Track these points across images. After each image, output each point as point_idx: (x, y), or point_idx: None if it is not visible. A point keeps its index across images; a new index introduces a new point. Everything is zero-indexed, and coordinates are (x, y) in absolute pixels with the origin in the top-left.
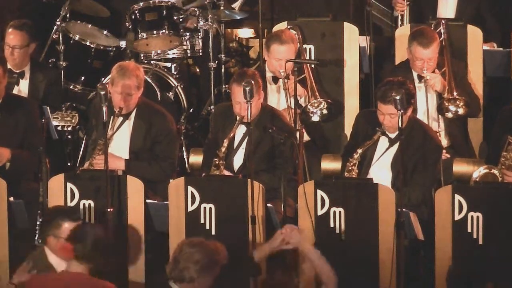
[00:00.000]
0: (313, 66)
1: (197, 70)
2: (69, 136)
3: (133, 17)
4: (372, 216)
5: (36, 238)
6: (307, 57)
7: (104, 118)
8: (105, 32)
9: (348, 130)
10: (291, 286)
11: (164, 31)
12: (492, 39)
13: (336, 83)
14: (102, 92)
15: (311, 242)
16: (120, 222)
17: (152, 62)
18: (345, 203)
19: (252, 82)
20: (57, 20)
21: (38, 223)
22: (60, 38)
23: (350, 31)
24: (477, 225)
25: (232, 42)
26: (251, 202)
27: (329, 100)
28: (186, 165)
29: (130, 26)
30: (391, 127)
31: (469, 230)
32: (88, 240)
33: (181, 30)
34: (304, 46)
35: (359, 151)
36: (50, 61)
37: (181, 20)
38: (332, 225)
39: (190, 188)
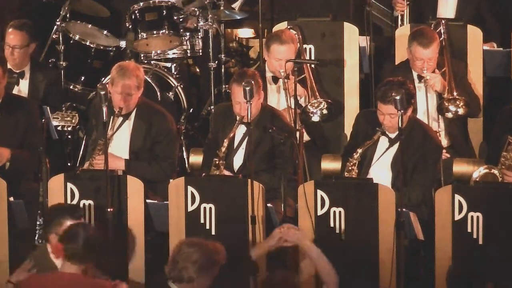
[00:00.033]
0: (313, 66)
1: (197, 70)
2: (69, 136)
3: (133, 17)
4: (372, 216)
5: (36, 238)
6: (307, 57)
7: (104, 118)
8: (105, 32)
9: (348, 130)
10: (292, 285)
11: (164, 31)
12: (492, 39)
13: (336, 83)
14: (102, 92)
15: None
16: (120, 222)
17: (152, 62)
18: (345, 203)
19: (252, 82)
20: (57, 20)
21: (38, 223)
22: (60, 38)
23: (350, 31)
24: (477, 225)
25: (232, 42)
26: (251, 202)
27: (329, 100)
28: (186, 165)
29: (130, 26)
30: (391, 127)
31: (469, 230)
32: (79, 240)
33: (181, 30)
34: (304, 46)
35: (359, 151)
36: (50, 61)
37: (181, 20)
38: (332, 225)
39: (190, 188)
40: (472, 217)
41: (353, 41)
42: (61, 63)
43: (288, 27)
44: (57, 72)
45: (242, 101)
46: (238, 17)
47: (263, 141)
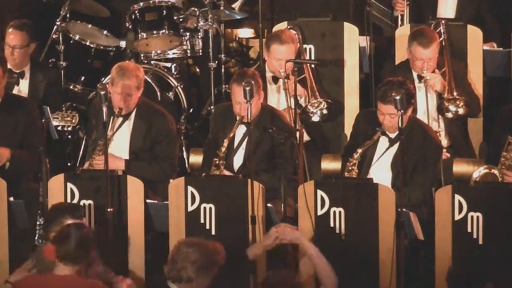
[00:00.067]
0: (313, 66)
1: (197, 70)
2: (69, 136)
3: (133, 17)
4: (372, 216)
5: (36, 238)
6: (307, 57)
7: (104, 118)
8: (105, 32)
9: (348, 130)
10: (292, 285)
11: (164, 31)
12: (492, 39)
13: (336, 83)
14: (102, 92)
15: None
16: (120, 222)
17: (152, 62)
18: (345, 203)
19: (252, 82)
20: (57, 20)
21: (38, 223)
22: (60, 38)
23: (350, 31)
24: (477, 225)
25: (232, 42)
26: (251, 202)
27: (329, 100)
28: (186, 165)
29: (130, 26)
30: (391, 127)
31: (469, 230)
32: (71, 241)
33: (181, 30)
34: (304, 46)
35: (359, 151)
36: (50, 61)
37: (181, 20)
38: (332, 225)
39: (190, 188)
40: (472, 217)
41: (353, 41)
42: (61, 63)
43: (288, 27)
44: (57, 72)
45: (242, 101)
46: (238, 17)
47: (263, 141)
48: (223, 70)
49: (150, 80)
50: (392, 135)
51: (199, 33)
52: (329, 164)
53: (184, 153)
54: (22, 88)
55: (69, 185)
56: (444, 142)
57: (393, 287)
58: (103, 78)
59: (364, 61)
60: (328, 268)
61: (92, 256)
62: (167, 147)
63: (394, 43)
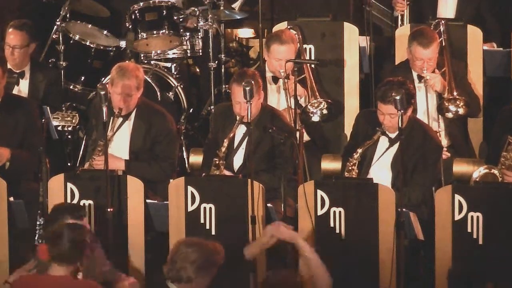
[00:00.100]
0: (313, 66)
1: (197, 70)
2: (69, 136)
3: (133, 17)
4: (372, 216)
5: (36, 238)
6: (307, 57)
7: (104, 118)
8: (105, 32)
9: (348, 130)
10: (292, 284)
11: (164, 31)
12: (492, 39)
13: (336, 83)
14: (102, 92)
15: (310, 241)
16: (120, 222)
17: (152, 62)
18: (345, 203)
19: (252, 82)
20: (57, 20)
21: (38, 223)
22: (60, 38)
23: (350, 31)
24: (477, 225)
25: (232, 42)
26: (251, 202)
27: (329, 100)
28: (186, 165)
29: (130, 26)
30: (391, 127)
31: (469, 230)
32: (64, 241)
33: (181, 30)
34: (304, 46)
35: (359, 151)
36: (50, 61)
37: (181, 20)
38: (332, 225)
39: (190, 188)
40: (472, 217)
41: (353, 41)
42: (61, 63)
43: (288, 27)
44: (57, 72)
45: (242, 101)
46: (238, 17)
47: (263, 141)
48: (223, 70)
49: (150, 80)
50: (392, 135)
51: (199, 33)
52: (329, 164)
53: (184, 153)
54: (22, 88)
55: (69, 185)
56: (444, 142)
57: (393, 287)
58: (103, 78)
59: (364, 61)
60: (323, 269)
61: (98, 256)
62: (167, 147)
63: (394, 43)
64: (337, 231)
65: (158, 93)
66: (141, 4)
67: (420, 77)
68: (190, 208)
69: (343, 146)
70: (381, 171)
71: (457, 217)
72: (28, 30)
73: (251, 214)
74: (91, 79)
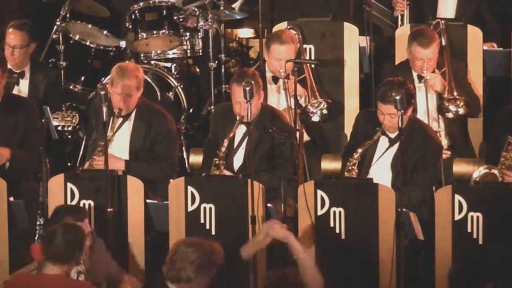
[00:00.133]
0: (313, 66)
1: (197, 70)
2: (69, 136)
3: (133, 17)
4: (372, 216)
5: (36, 238)
6: (307, 57)
7: (104, 118)
8: (105, 32)
9: (348, 130)
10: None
11: (164, 31)
12: (492, 39)
13: (336, 83)
14: (102, 92)
15: (310, 242)
16: (120, 222)
17: (152, 62)
18: (345, 203)
19: (252, 82)
20: (57, 20)
21: (38, 223)
22: (60, 38)
23: (350, 31)
24: (477, 225)
25: (232, 42)
26: (251, 202)
27: (329, 100)
28: (186, 165)
29: (130, 26)
30: (391, 127)
31: (469, 230)
32: (57, 241)
33: (181, 30)
34: (304, 46)
35: (359, 151)
36: (50, 61)
37: (181, 20)
38: (332, 225)
39: (190, 188)
40: (472, 217)
41: (353, 41)
42: (61, 63)
43: (288, 27)
44: (57, 72)
45: (242, 101)
46: (238, 17)
47: (263, 141)
48: (223, 70)
49: (150, 80)
50: (392, 135)
51: (199, 33)
52: (329, 164)
53: (184, 153)
54: (22, 88)
55: (69, 185)
56: (444, 142)
57: (393, 287)
58: (103, 78)
59: (364, 61)
60: (314, 270)
61: (102, 257)
62: (167, 147)
63: (394, 43)
64: (337, 231)
65: (158, 93)
66: (141, 4)
67: (420, 77)
68: (190, 208)
69: (343, 146)
70: (381, 171)
71: (457, 217)
72: (28, 30)
73: (251, 214)
74: (91, 79)
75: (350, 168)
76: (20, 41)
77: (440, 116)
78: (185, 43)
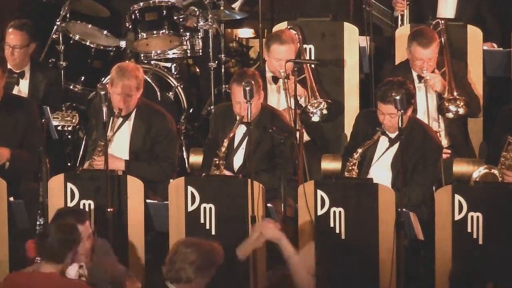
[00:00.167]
0: (313, 66)
1: (197, 70)
2: (69, 136)
3: (133, 17)
4: (372, 216)
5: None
6: (307, 57)
7: (104, 118)
8: (105, 32)
9: (348, 130)
10: (292, 284)
11: (164, 31)
12: (492, 39)
13: (336, 83)
14: (102, 92)
15: (310, 242)
16: (120, 222)
17: (152, 62)
18: (345, 203)
19: (252, 82)
20: (57, 20)
21: (38, 223)
22: (60, 38)
23: (350, 31)
24: (477, 225)
25: (232, 42)
26: (251, 202)
27: (329, 100)
28: (186, 165)
29: (130, 26)
30: (391, 127)
31: (469, 230)
32: (49, 240)
33: (181, 30)
34: (304, 46)
35: (359, 150)
36: (50, 61)
37: (181, 20)
38: (332, 225)
39: (190, 188)
40: (472, 217)
41: (353, 41)
42: (61, 63)
43: (288, 27)
44: (57, 72)
45: (242, 101)
46: (238, 17)
47: (263, 141)
48: (223, 70)
49: (150, 80)
50: (392, 135)
51: (199, 33)
52: (329, 164)
53: (184, 153)
54: (22, 88)
55: (69, 185)
56: (444, 142)
57: (393, 287)
58: (103, 78)
59: (364, 61)
60: (304, 272)
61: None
62: (167, 147)
63: (394, 43)
64: (337, 231)
65: (158, 93)
66: (141, 4)
67: (420, 77)
68: (190, 208)
69: (343, 146)
70: (381, 171)
71: (457, 217)
72: (28, 30)
73: (251, 214)
74: (91, 79)
75: (350, 168)
76: (20, 41)
77: (440, 116)
78: (185, 43)
